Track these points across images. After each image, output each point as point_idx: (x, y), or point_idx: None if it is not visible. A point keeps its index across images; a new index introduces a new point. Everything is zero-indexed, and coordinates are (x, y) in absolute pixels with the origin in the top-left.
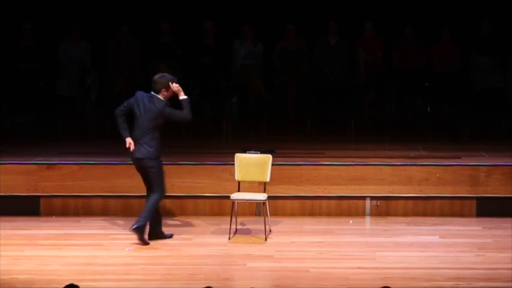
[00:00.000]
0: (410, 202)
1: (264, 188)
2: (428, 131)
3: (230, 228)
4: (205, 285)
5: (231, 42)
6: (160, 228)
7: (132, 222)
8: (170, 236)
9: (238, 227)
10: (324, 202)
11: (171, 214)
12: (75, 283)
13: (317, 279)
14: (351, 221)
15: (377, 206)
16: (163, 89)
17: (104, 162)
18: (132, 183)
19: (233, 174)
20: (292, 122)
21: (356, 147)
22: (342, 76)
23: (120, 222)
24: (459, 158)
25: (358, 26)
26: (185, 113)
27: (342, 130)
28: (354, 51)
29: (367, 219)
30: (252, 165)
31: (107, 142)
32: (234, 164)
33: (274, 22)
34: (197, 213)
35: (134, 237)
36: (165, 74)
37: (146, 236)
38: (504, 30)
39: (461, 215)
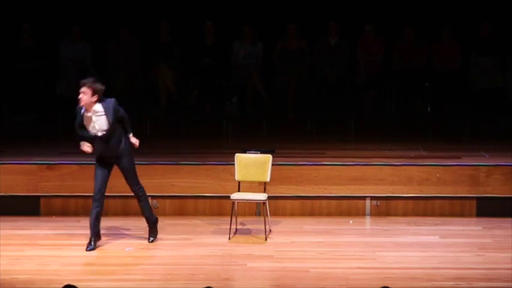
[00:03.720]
0: (410, 202)
1: (264, 188)
2: (428, 131)
3: (230, 228)
4: (205, 285)
5: (231, 42)
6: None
7: (132, 222)
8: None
9: (238, 227)
10: (324, 202)
11: (171, 214)
12: (75, 283)
13: (317, 279)
14: (351, 221)
15: (377, 206)
16: None
17: None
18: None
19: (233, 174)
20: (292, 122)
21: (356, 147)
22: (342, 76)
23: (120, 222)
24: (459, 158)
25: (358, 26)
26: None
27: (342, 130)
28: (354, 51)
29: (367, 219)
30: (252, 165)
31: None
32: (234, 164)
33: (274, 22)
34: (197, 213)
35: (134, 237)
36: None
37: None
38: (504, 30)
39: (461, 215)
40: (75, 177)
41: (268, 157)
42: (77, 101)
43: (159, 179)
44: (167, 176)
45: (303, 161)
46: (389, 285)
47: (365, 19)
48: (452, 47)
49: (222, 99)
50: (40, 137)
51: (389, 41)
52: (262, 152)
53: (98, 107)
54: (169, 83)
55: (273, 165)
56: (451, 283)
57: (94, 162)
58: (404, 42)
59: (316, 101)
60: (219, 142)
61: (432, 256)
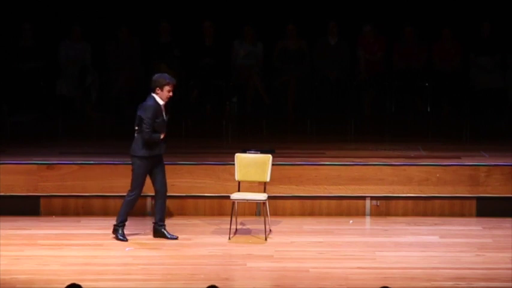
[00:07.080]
0: (410, 202)
1: (264, 188)
2: (428, 131)
3: (230, 228)
4: (206, 286)
5: (231, 42)
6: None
7: (132, 222)
8: (174, 238)
9: (238, 227)
10: (324, 202)
11: (171, 214)
12: (76, 283)
13: (317, 279)
14: (351, 221)
15: (377, 206)
16: (157, 88)
17: (104, 162)
18: None
19: (233, 174)
20: (292, 122)
21: (356, 147)
22: (342, 76)
23: None
24: (459, 158)
25: (358, 26)
26: (145, 132)
27: (342, 130)
28: (354, 51)
29: (367, 219)
30: (252, 165)
31: (107, 142)
32: (234, 164)
33: (274, 22)
34: (197, 213)
35: (134, 237)
36: (165, 75)
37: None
38: (504, 30)
39: (461, 215)
40: (75, 177)
41: (268, 157)
42: (77, 100)
43: None
44: (167, 176)
45: (302, 161)
46: (389, 285)
47: (365, 19)
48: (452, 47)
49: (222, 99)
50: (40, 137)
51: (390, 41)
52: (262, 152)
53: None
54: None
55: (273, 165)
56: (451, 283)
57: (94, 162)
58: (404, 42)
59: (316, 101)
60: (219, 142)
61: (432, 256)
